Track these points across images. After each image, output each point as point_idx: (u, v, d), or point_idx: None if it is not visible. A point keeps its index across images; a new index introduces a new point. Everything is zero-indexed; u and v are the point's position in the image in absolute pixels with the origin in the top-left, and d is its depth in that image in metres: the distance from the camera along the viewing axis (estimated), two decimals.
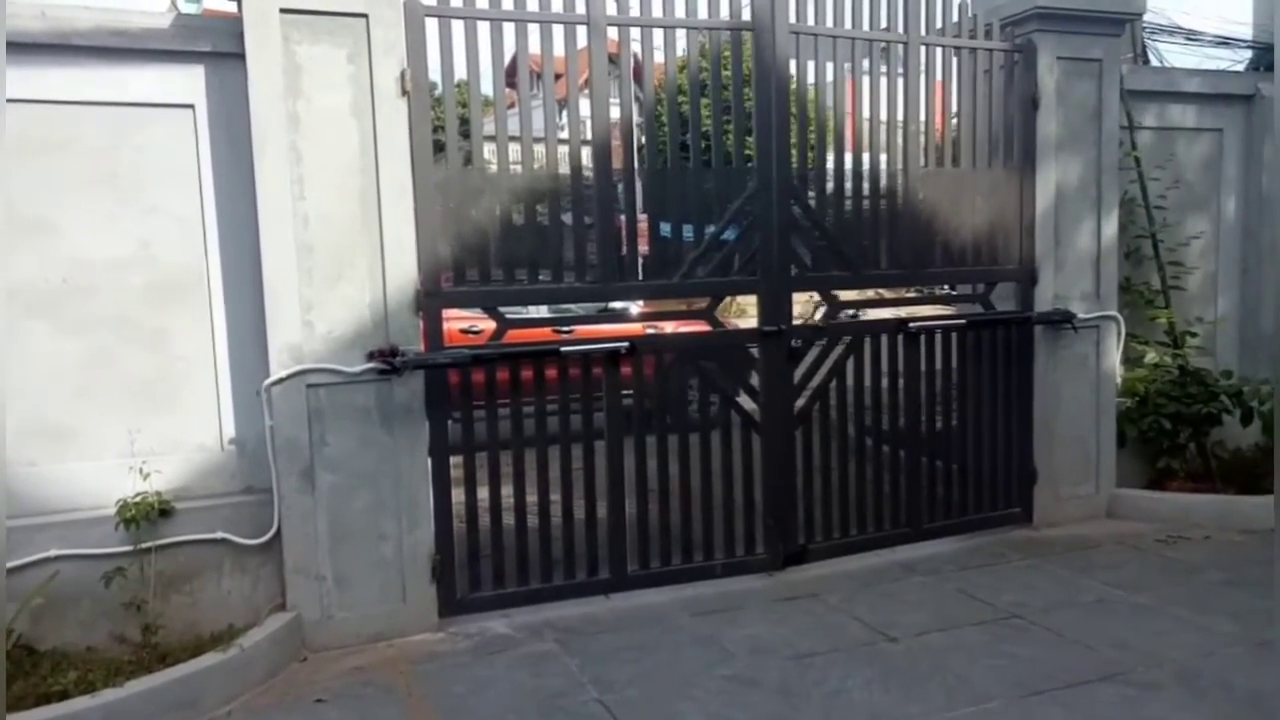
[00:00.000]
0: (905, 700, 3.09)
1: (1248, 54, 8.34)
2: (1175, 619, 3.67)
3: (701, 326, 4.30)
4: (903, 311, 4.70)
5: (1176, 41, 8.16)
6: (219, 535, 3.52)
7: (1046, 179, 4.77)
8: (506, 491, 3.84)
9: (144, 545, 3.35)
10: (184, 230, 3.50)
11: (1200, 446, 5.20)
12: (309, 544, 3.55)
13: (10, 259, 3.24)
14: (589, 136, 3.86)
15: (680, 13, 3.98)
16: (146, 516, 3.32)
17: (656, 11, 3.96)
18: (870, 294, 4.84)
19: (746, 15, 4.13)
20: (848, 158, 4.36)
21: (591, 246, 3.94)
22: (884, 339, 4.56)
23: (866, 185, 4.44)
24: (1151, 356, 5.20)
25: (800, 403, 4.33)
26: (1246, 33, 8.42)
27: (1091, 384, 4.97)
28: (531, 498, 3.88)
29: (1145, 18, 7.25)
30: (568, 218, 3.91)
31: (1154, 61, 7.49)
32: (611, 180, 3.92)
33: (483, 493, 3.82)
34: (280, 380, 3.46)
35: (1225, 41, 8.18)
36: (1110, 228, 4.93)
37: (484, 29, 3.65)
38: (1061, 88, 4.77)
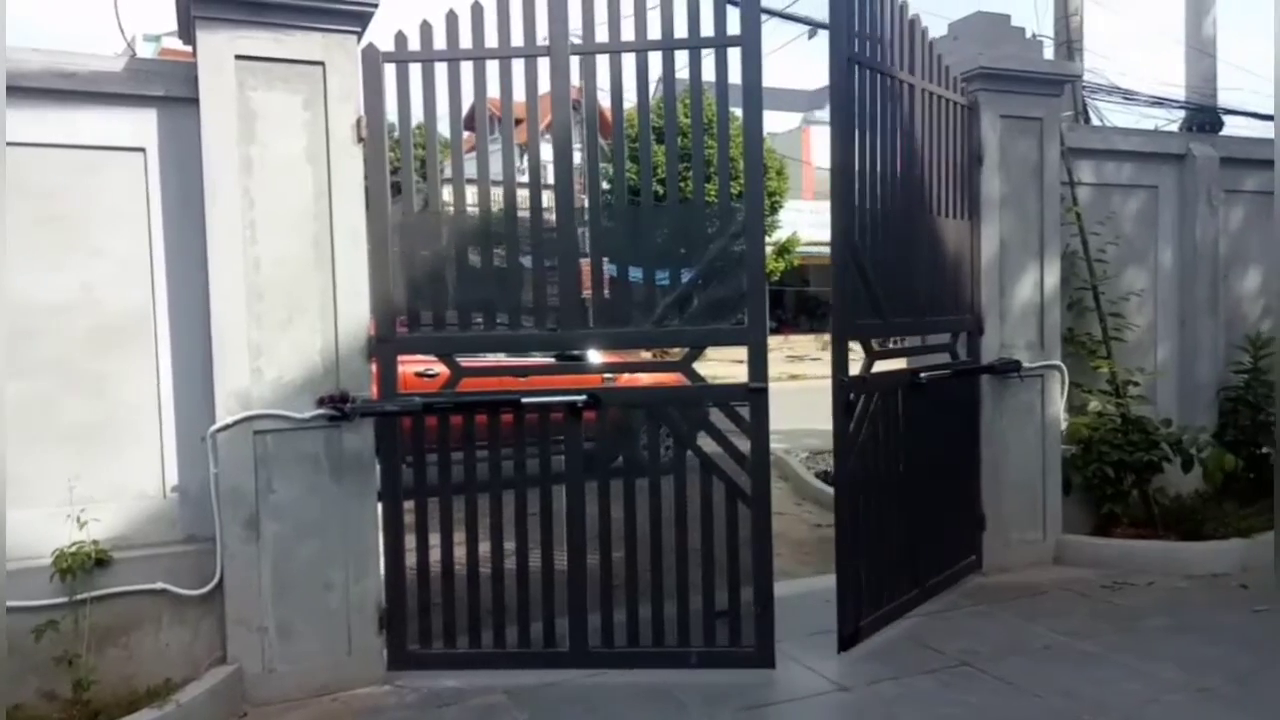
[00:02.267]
0: None
1: (1181, 113, 8.70)
2: (1122, 666, 3.72)
3: (675, 379, 4.08)
4: (897, 362, 4.56)
5: (1115, 100, 8.52)
6: (158, 586, 3.42)
7: (991, 231, 4.91)
8: (464, 541, 3.73)
9: (80, 597, 3.25)
10: (131, 274, 3.46)
11: (1143, 494, 5.31)
12: (251, 594, 3.46)
13: None
14: (550, 177, 3.75)
15: (654, 33, 3.62)
16: (82, 567, 3.22)
17: (627, 35, 3.64)
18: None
19: (734, 29, 3.63)
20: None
21: (554, 291, 3.75)
22: (899, 392, 4.33)
23: (883, 231, 4.17)
24: (1095, 405, 5.32)
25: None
26: (1179, 93, 8.80)
27: (1037, 432, 5.07)
28: (489, 551, 3.75)
29: (1085, 77, 7.56)
30: (528, 261, 3.79)
31: (1094, 119, 7.78)
32: (573, 222, 3.71)
33: (439, 540, 3.75)
34: (226, 426, 3.40)
35: (1159, 101, 8.54)
36: (1052, 279, 5.07)
37: (443, 71, 3.62)
38: (1005, 144, 4.94)
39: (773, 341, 30.18)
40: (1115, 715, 3.29)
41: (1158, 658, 3.79)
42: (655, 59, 3.69)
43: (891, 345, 4.64)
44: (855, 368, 4.06)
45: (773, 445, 9.79)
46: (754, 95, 3.63)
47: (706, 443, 3.81)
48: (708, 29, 3.63)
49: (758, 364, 3.70)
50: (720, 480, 3.74)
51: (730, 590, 3.74)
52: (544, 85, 3.65)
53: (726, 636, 3.75)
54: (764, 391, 3.69)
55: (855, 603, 3.98)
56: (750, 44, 3.61)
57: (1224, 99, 8.76)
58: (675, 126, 3.91)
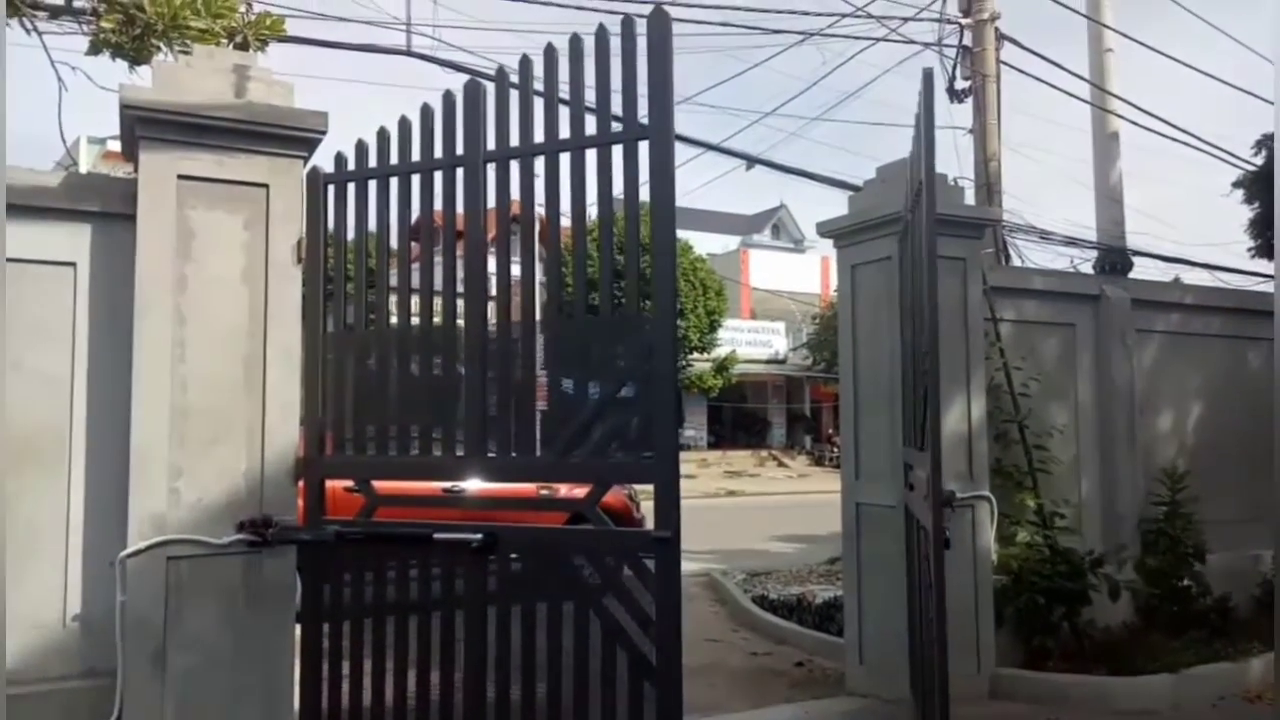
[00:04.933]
0: None
1: (1093, 253, 9.22)
2: None
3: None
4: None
5: (1032, 240, 8.97)
6: None
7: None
8: (366, 677, 3.46)
9: None
10: (50, 390, 3.34)
11: (1073, 625, 5.35)
12: None
13: None
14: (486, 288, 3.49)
15: (564, 133, 3.35)
16: None
17: (538, 137, 3.38)
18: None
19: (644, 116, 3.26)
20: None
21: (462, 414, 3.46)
22: None
23: None
24: (1023, 536, 5.41)
25: None
26: (1091, 234, 9.35)
27: (969, 562, 5.11)
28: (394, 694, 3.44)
29: (1004, 218, 8.00)
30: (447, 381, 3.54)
31: (1013, 256, 8.20)
32: (480, 340, 3.43)
33: (350, 672, 3.57)
34: (138, 551, 3.24)
35: (1073, 241, 9.04)
36: (979, 412, 5.22)
37: (373, 189, 3.62)
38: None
39: (711, 457, 30.33)
40: None
41: None
42: (567, 160, 3.36)
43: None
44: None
45: (709, 566, 9.74)
46: (664, 190, 3.17)
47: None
48: (618, 125, 3.31)
49: (666, 506, 3.07)
50: (624, 651, 3.14)
51: None
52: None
53: None
54: (672, 542, 3.05)
55: None
56: (660, 137, 3.18)
57: (1131, 241, 9.33)
58: (584, 230, 3.35)
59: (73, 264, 3.40)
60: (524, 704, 3.18)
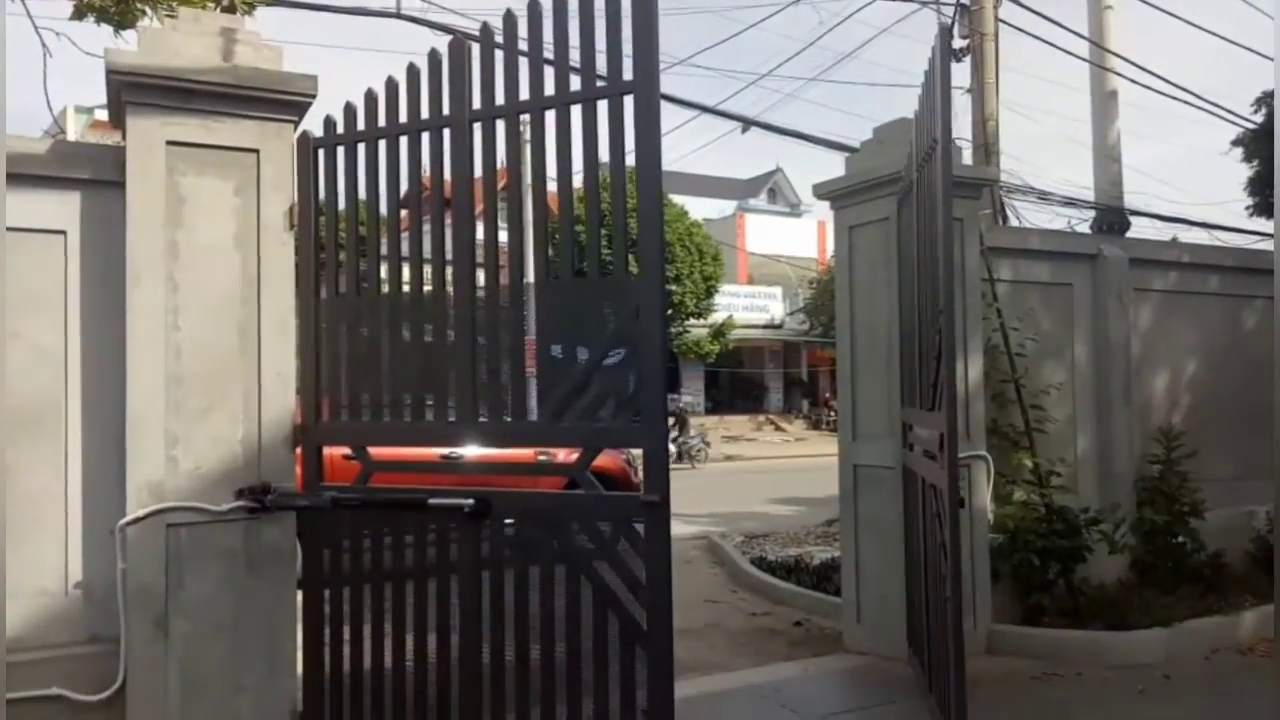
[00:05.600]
0: None
1: (1091, 213, 9.19)
2: None
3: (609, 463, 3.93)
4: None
5: (1030, 200, 8.93)
6: (54, 691, 3.20)
7: None
8: (365, 644, 3.48)
9: None
10: (43, 360, 3.33)
11: (1069, 583, 5.39)
12: (157, 699, 3.26)
13: None
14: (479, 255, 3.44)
15: (549, 89, 3.28)
16: None
17: (523, 94, 3.32)
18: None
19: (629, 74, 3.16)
20: None
21: (455, 380, 3.44)
22: None
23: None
24: (1019, 495, 5.44)
25: None
26: (1088, 194, 9.31)
27: (966, 521, 5.13)
28: (392, 660, 3.46)
29: (1001, 179, 7.94)
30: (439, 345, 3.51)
31: (1011, 217, 8.15)
32: (471, 304, 3.39)
33: (351, 638, 3.60)
34: (137, 519, 3.25)
35: (1071, 202, 9.00)
36: (976, 372, 5.22)
37: (363, 152, 3.56)
38: None
39: (709, 422, 30.37)
40: None
41: None
42: (554, 120, 3.28)
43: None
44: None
45: (707, 529, 9.81)
46: (650, 144, 3.09)
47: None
48: (603, 82, 3.23)
49: (655, 471, 3.06)
50: (615, 615, 3.12)
51: None
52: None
53: None
54: (661, 506, 3.02)
55: None
56: (645, 91, 3.09)
57: (1129, 201, 9.29)
58: (569, 190, 3.30)
59: (63, 232, 3.38)
60: (519, 666, 3.19)
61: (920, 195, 4.32)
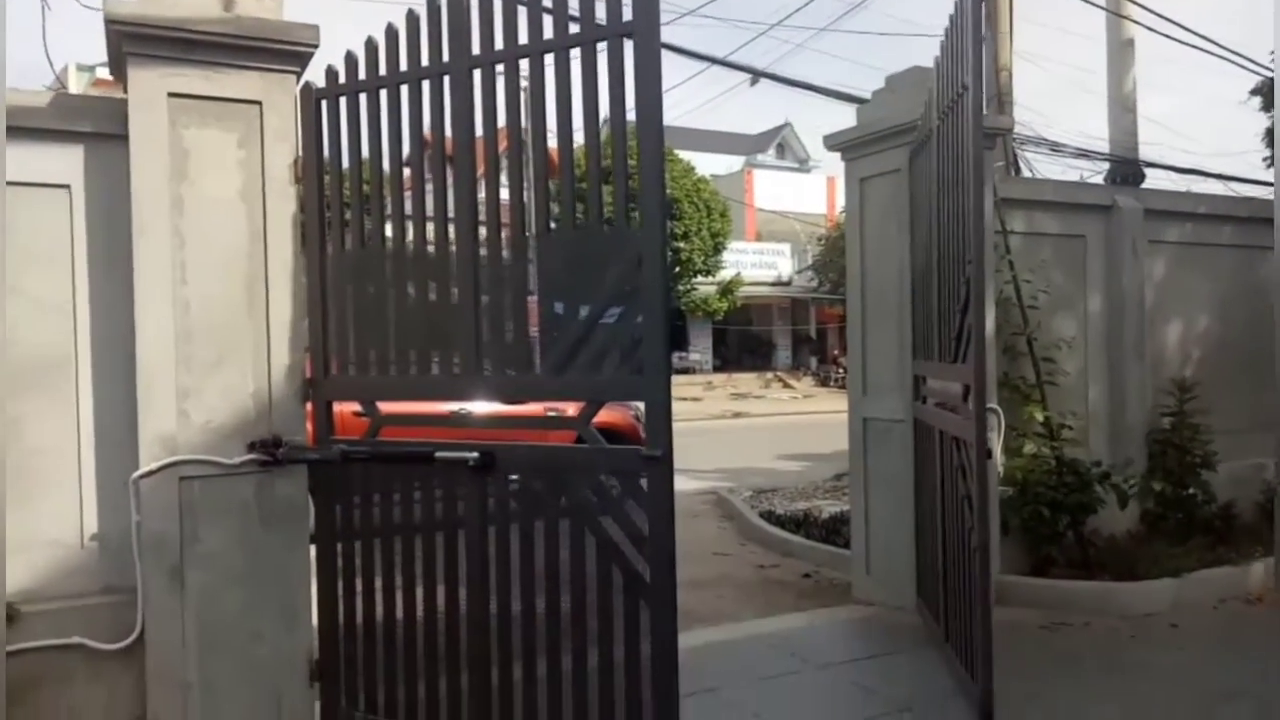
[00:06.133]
0: None
1: (1105, 165, 9.05)
2: (1064, 708, 3.74)
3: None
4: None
5: (1042, 152, 8.81)
6: (73, 640, 3.25)
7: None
8: (376, 595, 3.50)
9: None
10: (51, 315, 3.32)
11: (1078, 535, 5.41)
12: (174, 648, 3.31)
13: None
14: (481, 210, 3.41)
15: (547, 33, 3.19)
16: None
17: (522, 39, 3.22)
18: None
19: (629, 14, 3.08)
20: None
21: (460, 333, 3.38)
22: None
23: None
24: (1029, 448, 5.43)
25: None
26: (1101, 146, 9.16)
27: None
28: (403, 613, 3.47)
29: (1014, 130, 7.83)
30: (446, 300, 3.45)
31: (1024, 169, 8.05)
32: (473, 258, 3.33)
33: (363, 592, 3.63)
34: (150, 472, 3.27)
35: (1084, 154, 8.87)
36: (988, 325, 5.17)
37: (379, 105, 3.47)
38: None
39: (717, 379, 30.46)
40: None
41: (1097, 699, 3.84)
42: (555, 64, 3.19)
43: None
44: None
45: (716, 485, 9.85)
46: (650, 88, 2.99)
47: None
48: (602, 21, 3.11)
49: (657, 425, 3.00)
50: (619, 569, 3.08)
51: (630, 713, 3.03)
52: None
53: None
54: (663, 460, 2.96)
55: None
56: (645, 33, 2.99)
57: (1144, 152, 9.14)
58: (569, 138, 3.20)
59: (67, 186, 3.35)
60: (524, 618, 3.19)
61: (943, 143, 4.24)
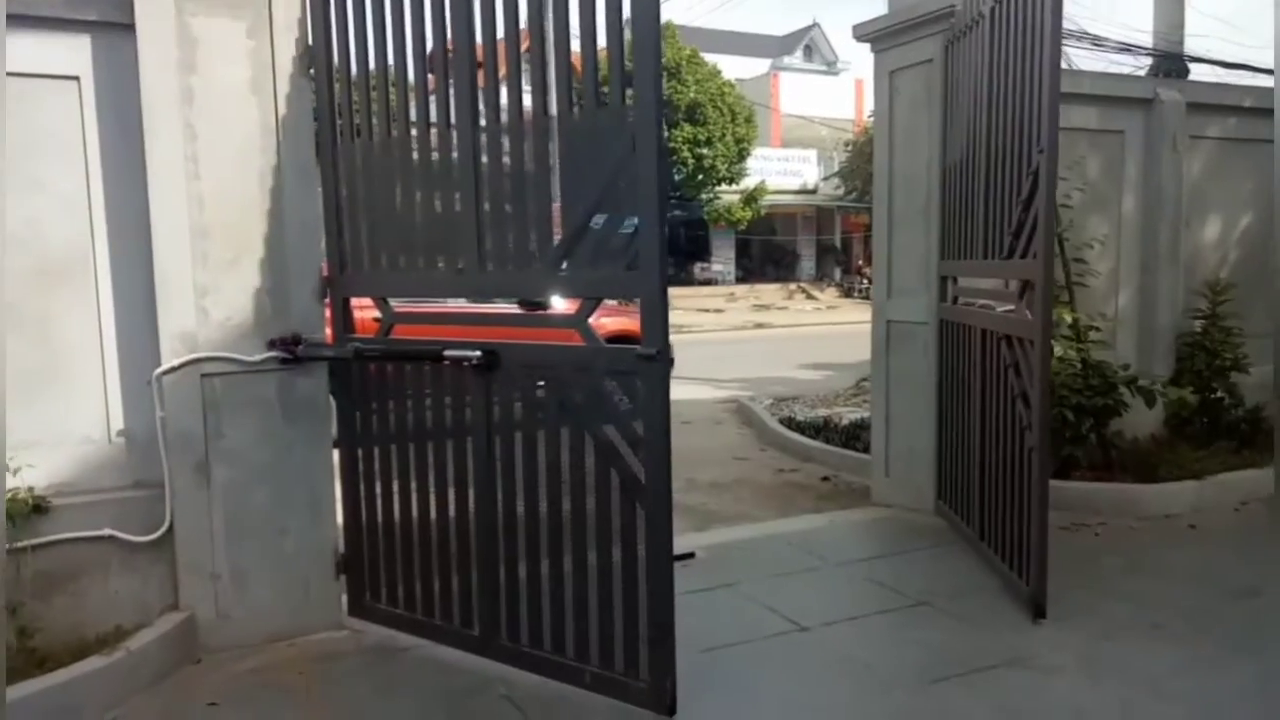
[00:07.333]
0: (816, 689, 3.10)
1: (1148, 60, 8.66)
2: (1076, 604, 3.77)
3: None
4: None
5: (1083, 46, 8.42)
6: (105, 532, 3.33)
7: None
8: (392, 495, 3.54)
9: (19, 544, 3.15)
10: (70, 210, 3.30)
11: (1101, 437, 5.37)
12: (203, 540, 3.39)
13: None
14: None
15: None
16: (20, 514, 3.12)
17: None
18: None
19: None
20: None
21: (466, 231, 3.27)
22: None
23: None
24: (1056, 350, 5.35)
25: None
26: (1147, 40, 8.75)
27: None
28: (417, 511, 3.51)
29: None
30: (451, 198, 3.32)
31: (1062, 64, 7.71)
32: (473, 151, 3.20)
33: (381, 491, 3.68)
34: (172, 369, 3.30)
35: (1127, 48, 8.48)
36: None
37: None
38: None
39: (739, 291, 30.23)
40: (1070, 654, 3.34)
41: (1109, 596, 3.86)
42: None
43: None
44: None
45: (738, 393, 9.85)
46: None
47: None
48: None
49: (652, 324, 2.84)
50: (615, 469, 3.00)
51: (626, 611, 2.99)
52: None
53: (622, 661, 3.02)
54: (658, 359, 2.83)
55: None
56: None
57: (1190, 46, 8.73)
58: (566, 13, 2.97)
59: (76, 78, 3.28)
60: (528, 517, 3.21)
61: (1000, 26, 4.04)
